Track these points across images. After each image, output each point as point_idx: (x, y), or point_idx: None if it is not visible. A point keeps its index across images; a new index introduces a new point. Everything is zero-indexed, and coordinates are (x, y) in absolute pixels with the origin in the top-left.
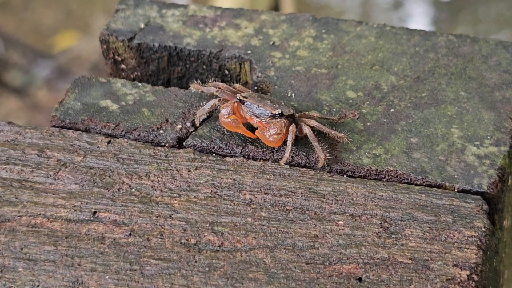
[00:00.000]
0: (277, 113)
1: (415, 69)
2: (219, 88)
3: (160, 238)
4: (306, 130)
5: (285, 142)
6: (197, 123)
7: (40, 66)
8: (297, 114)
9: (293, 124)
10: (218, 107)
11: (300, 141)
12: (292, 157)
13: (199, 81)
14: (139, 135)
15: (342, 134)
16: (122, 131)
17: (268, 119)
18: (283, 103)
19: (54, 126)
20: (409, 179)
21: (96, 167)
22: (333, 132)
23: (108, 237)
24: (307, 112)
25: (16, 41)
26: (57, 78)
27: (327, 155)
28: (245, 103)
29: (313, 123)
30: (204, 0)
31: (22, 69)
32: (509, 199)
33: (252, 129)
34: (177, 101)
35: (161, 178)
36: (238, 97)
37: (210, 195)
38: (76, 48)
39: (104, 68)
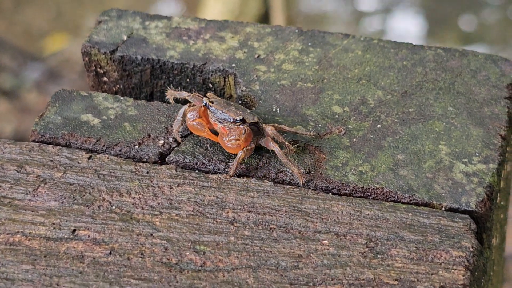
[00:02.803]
0: (238, 119)
1: (402, 83)
2: (191, 93)
3: (141, 257)
4: (274, 147)
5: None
6: (177, 137)
7: (30, 69)
8: (265, 125)
9: (241, 151)
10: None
11: (288, 156)
12: (276, 174)
13: (172, 86)
14: (120, 150)
15: (293, 148)
16: (103, 146)
17: (230, 125)
18: (248, 111)
19: (34, 141)
20: (396, 197)
21: (76, 183)
22: (286, 143)
23: (87, 256)
24: (276, 124)
25: (6, 43)
26: (47, 81)
27: (302, 169)
28: (210, 108)
29: (271, 130)
30: (194, 7)
31: (12, 72)
32: (498, 217)
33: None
34: (159, 116)
35: (143, 195)
36: (204, 102)
37: (192, 213)
38: (66, 51)
39: (86, 81)
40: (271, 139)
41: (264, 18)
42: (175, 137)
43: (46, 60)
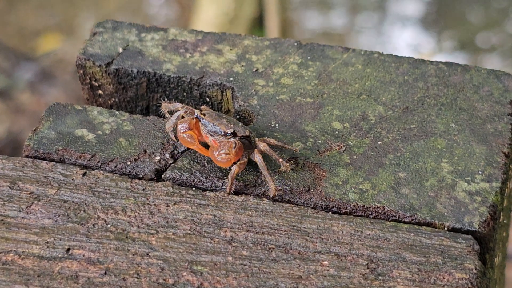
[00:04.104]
0: (229, 132)
1: (403, 99)
2: (185, 105)
3: (137, 278)
4: (257, 158)
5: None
6: (171, 136)
7: (23, 69)
8: (258, 140)
9: (235, 165)
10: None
11: (283, 174)
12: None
13: (166, 99)
14: (115, 166)
15: (287, 164)
16: (98, 162)
17: (221, 138)
18: (241, 124)
19: (27, 156)
20: (397, 216)
21: (70, 200)
22: (280, 160)
23: (82, 276)
24: (266, 138)
25: None
26: (40, 81)
27: (279, 187)
28: (202, 120)
29: (264, 147)
30: (188, 10)
31: (5, 72)
32: (501, 236)
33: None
34: (155, 131)
35: (138, 213)
36: (196, 113)
37: (189, 232)
38: (59, 51)
39: (81, 94)
40: (257, 150)
41: (259, 21)
42: (169, 135)
43: (39, 60)
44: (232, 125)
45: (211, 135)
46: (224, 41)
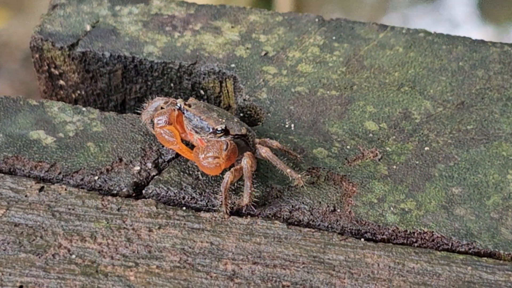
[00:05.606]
0: (219, 128)
1: (458, 91)
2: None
3: None
4: (244, 162)
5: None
6: (150, 128)
7: None
8: (259, 143)
9: (229, 172)
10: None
11: (302, 189)
12: (290, 212)
13: (150, 97)
14: (82, 179)
15: (299, 176)
16: (60, 174)
17: (209, 136)
18: (236, 120)
19: None
20: (450, 244)
21: (23, 223)
22: (288, 170)
23: None
24: (268, 140)
25: None
26: None
27: (252, 202)
28: (185, 113)
29: (266, 152)
30: None
31: None
32: None
33: None
34: (134, 133)
35: (112, 240)
36: (178, 104)
37: (178, 264)
38: (3, 32)
39: (37, 84)
40: (248, 154)
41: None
42: (147, 129)
43: None
44: (224, 120)
45: (197, 132)
46: (224, 16)
